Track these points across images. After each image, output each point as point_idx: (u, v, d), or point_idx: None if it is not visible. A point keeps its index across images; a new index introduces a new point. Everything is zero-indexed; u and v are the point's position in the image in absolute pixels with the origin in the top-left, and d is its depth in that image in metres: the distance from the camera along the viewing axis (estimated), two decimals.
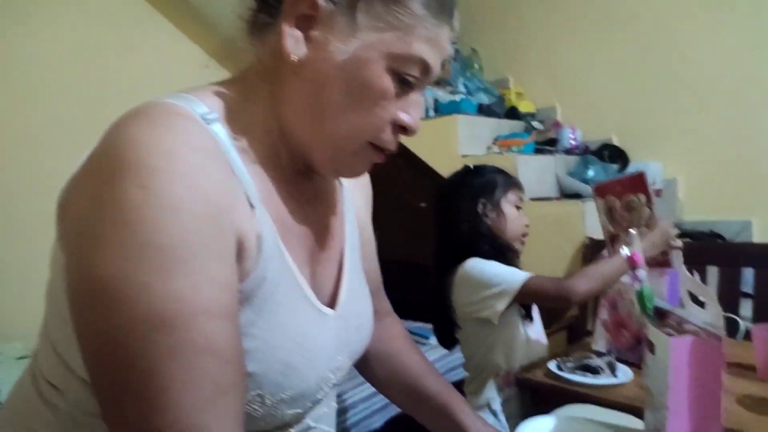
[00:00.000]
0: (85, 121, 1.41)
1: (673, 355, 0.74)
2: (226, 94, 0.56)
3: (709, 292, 0.78)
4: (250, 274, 0.51)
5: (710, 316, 0.77)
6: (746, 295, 1.85)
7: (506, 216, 1.39)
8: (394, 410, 1.72)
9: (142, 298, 0.43)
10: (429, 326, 2.47)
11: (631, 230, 0.97)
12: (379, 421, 1.68)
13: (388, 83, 0.53)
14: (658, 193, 2.58)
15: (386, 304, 0.84)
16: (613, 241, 1.35)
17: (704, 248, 2.02)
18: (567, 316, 1.57)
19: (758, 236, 2.21)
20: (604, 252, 1.38)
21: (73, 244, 0.47)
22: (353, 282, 0.66)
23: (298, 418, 0.61)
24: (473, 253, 1.36)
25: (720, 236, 2.14)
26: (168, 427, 0.42)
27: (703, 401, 0.75)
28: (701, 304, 0.79)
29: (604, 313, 1.26)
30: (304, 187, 0.61)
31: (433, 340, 2.36)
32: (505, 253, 1.38)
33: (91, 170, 0.48)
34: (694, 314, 0.79)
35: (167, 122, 0.48)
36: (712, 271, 1.87)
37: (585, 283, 1.22)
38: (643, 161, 2.50)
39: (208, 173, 0.48)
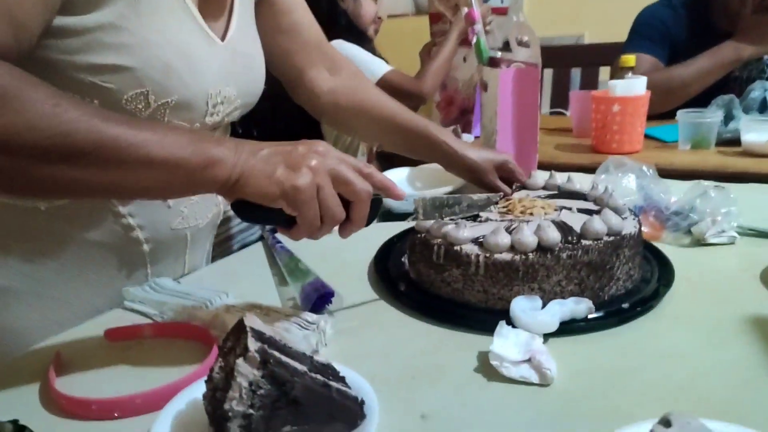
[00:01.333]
0: None
1: (500, 85, 0.86)
2: None
3: (534, 32, 0.89)
4: None
5: (531, 52, 0.89)
6: None
7: (360, 2, 1.49)
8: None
9: None
10: None
11: None
12: (257, 234, 1.75)
13: None
14: (505, 10, 2.73)
15: (339, 55, 0.86)
16: (435, 19, 1.50)
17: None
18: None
19: None
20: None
21: None
22: (243, 26, 0.69)
23: None
24: (334, 32, 1.41)
25: None
26: None
27: (523, 123, 0.89)
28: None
29: (437, 96, 1.43)
30: None
31: None
32: (361, 37, 1.50)
33: None
34: (518, 53, 0.91)
35: None
36: (548, 73, 2.09)
37: (431, 78, 1.43)
38: None
39: None
